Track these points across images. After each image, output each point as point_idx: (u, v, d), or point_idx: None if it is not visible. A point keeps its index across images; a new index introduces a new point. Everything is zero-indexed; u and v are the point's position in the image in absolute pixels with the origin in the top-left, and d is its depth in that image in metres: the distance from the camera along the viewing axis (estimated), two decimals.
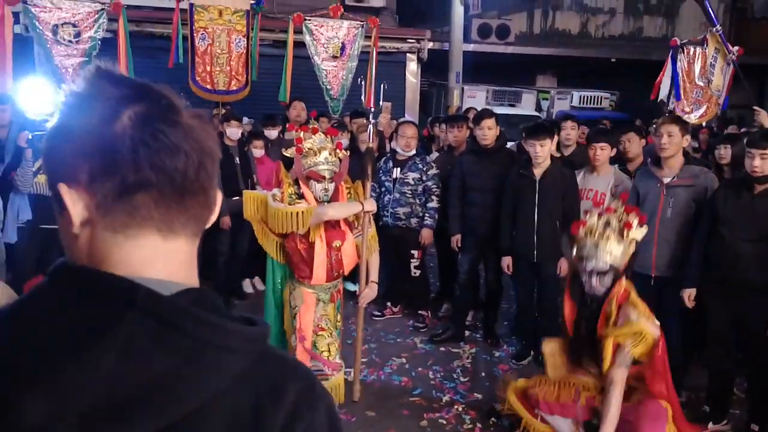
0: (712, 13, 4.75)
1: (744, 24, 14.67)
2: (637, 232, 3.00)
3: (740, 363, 3.79)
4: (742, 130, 7.28)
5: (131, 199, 0.71)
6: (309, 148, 3.38)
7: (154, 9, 7.53)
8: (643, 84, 13.09)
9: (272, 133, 6.10)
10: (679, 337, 3.81)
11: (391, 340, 5.11)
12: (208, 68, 6.23)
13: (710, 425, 3.77)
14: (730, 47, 6.31)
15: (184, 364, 0.68)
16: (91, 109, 0.72)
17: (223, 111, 6.44)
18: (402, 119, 6.83)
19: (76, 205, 0.72)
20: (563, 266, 4.27)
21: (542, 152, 4.23)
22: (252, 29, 6.37)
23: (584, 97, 13.76)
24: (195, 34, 6.13)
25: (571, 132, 5.25)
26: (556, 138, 4.49)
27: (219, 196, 0.81)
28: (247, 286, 6.21)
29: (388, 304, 5.64)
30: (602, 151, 4.34)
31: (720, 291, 3.56)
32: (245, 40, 6.34)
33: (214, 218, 0.80)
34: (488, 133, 4.63)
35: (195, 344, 0.69)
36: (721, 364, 3.72)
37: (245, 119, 6.60)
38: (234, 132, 5.55)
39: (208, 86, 6.30)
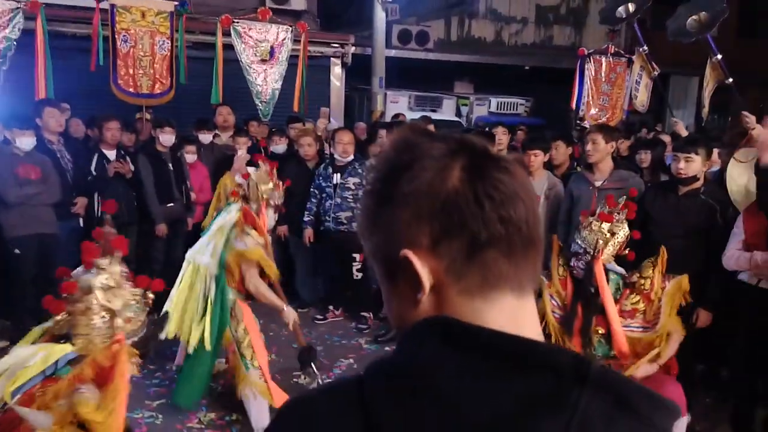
0: (712, 43, 5.16)
1: (645, 33, 15.70)
2: (622, 231, 3.09)
3: None
4: (651, 134, 7.83)
5: (483, 257, 0.66)
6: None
7: (73, 8, 7.15)
8: (554, 90, 13.81)
9: (206, 138, 5.96)
10: None
11: (337, 342, 5.12)
12: (131, 71, 6.01)
13: None
14: (654, 65, 6.81)
15: None
16: (420, 169, 0.67)
17: (148, 116, 6.24)
18: (337, 126, 6.86)
19: (424, 270, 0.67)
20: None
21: None
22: (176, 31, 6.20)
23: (501, 103, 14.28)
24: (117, 36, 5.89)
25: (502, 137, 5.47)
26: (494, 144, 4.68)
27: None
28: None
29: (330, 307, 5.66)
30: (536, 158, 4.56)
31: None
32: (169, 42, 6.15)
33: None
34: None
35: (643, 426, 0.62)
36: None
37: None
38: (167, 138, 5.39)
39: (131, 89, 6.07)
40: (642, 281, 3.05)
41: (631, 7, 6.38)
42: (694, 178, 3.72)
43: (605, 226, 3.02)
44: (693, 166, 3.67)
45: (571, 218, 4.28)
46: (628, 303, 3.03)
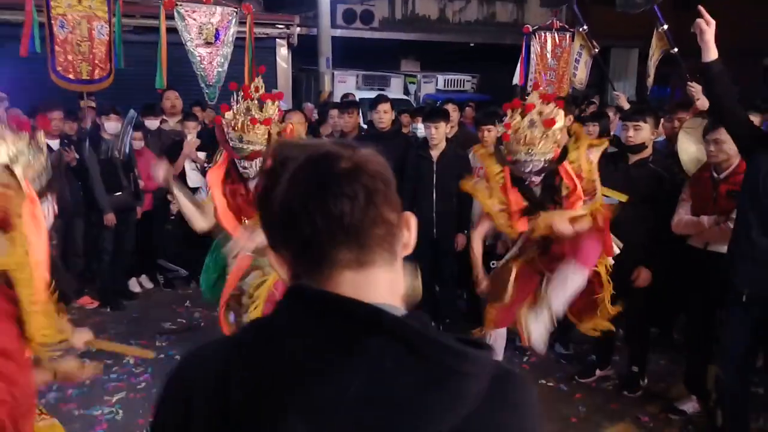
0: (659, 13, 5.24)
1: (584, 8, 16.01)
2: (560, 122, 3.12)
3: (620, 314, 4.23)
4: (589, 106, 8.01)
5: (314, 250, 0.78)
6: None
7: None
8: (499, 67, 13.97)
9: (153, 124, 5.79)
10: None
11: None
12: (69, 57, 5.74)
13: (597, 371, 4.21)
14: (594, 43, 6.94)
15: (428, 391, 0.69)
16: (274, 183, 0.80)
17: (91, 103, 6.01)
18: (286, 108, 6.75)
19: (281, 267, 0.83)
20: (460, 241, 4.54)
21: (437, 134, 4.46)
22: (114, 15, 5.96)
23: (448, 80, 14.37)
24: (53, 22, 5.62)
25: (453, 114, 5.51)
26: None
27: (410, 218, 0.87)
28: (134, 285, 5.90)
29: None
30: (489, 133, 4.60)
31: None
32: (107, 26, 5.92)
33: (411, 236, 0.86)
34: (384, 116, 4.76)
35: (438, 370, 0.71)
36: None
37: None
38: (113, 126, 5.21)
39: (71, 76, 5.80)
40: (572, 164, 3.15)
41: None
42: (643, 146, 3.81)
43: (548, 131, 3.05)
44: (641, 134, 3.77)
45: None
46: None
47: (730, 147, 3.31)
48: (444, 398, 0.70)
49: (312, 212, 0.77)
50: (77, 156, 5.10)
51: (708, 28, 2.79)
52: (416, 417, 0.69)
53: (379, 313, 0.73)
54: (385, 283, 0.81)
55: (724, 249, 3.36)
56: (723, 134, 3.28)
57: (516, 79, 7.52)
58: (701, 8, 2.80)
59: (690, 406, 3.78)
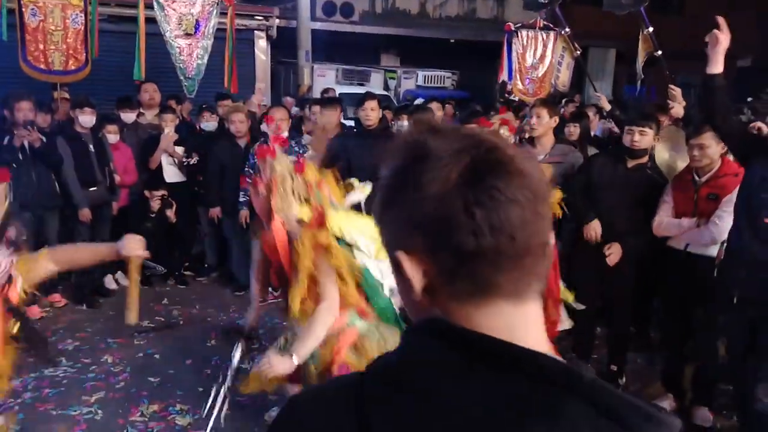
0: (645, 16, 5.27)
1: (562, 8, 16.14)
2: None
3: (600, 312, 4.26)
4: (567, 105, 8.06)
5: (472, 266, 0.66)
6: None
7: None
8: (479, 63, 14.02)
9: (129, 117, 5.67)
10: None
11: (278, 325, 5.04)
12: (41, 46, 5.62)
13: None
14: (576, 46, 6.98)
15: None
16: (419, 171, 0.67)
17: (65, 94, 5.86)
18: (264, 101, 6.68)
19: (415, 273, 0.69)
20: None
21: None
22: (90, 3, 5.82)
23: (428, 76, 14.36)
24: (24, 9, 5.46)
25: (437, 113, 5.50)
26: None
27: (552, 240, 0.72)
28: (110, 282, 5.78)
29: (270, 289, 5.55)
30: None
31: (590, 253, 3.95)
32: (83, 15, 5.77)
33: (548, 264, 0.71)
34: (371, 114, 4.74)
35: None
36: (587, 317, 4.16)
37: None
38: (87, 120, 5.09)
39: (42, 66, 5.69)
40: None
41: None
42: (644, 151, 3.83)
43: None
44: (646, 139, 3.77)
45: None
46: None
47: (713, 152, 3.40)
48: None
49: (480, 222, 0.64)
50: (42, 138, 4.93)
51: (722, 41, 2.82)
52: None
53: (579, 374, 0.63)
54: (538, 322, 0.70)
55: (703, 250, 3.45)
56: (707, 139, 3.36)
57: (504, 76, 7.53)
58: (721, 19, 2.83)
59: (667, 404, 3.81)
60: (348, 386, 0.72)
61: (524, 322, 0.69)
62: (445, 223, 0.65)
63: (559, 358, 0.67)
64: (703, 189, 3.50)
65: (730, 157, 3.48)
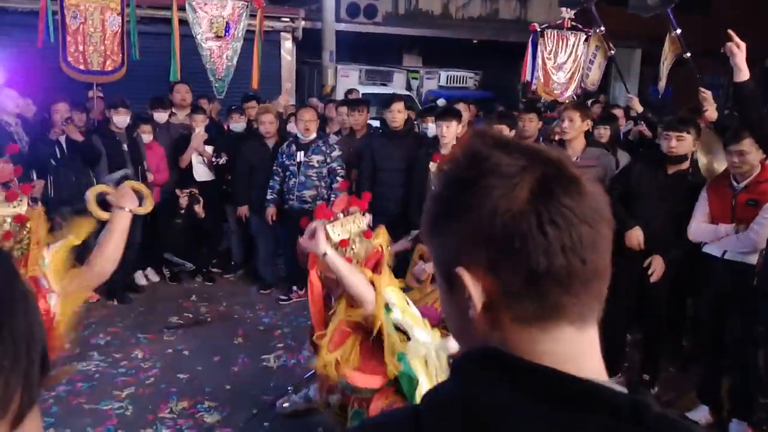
0: (672, 17, 5.24)
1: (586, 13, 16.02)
2: None
3: (631, 320, 4.21)
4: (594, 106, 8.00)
5: (541, 287, 0.64)
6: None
7: None
8: (502, 64, 13.96)
9: (162, 117, 5.77)
10: None
11: (303, 323, 5.09)
12: (81, 48, 5.72)
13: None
14: (611, 45, 6.91)
15: None
16: (489, 186, 0.65)
17: (99, 93, 5.98)
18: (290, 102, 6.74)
19: (477, 290, 0.66)
20: None
21: (449, 133, 4.45)
22: (127, 6, 5.93)
23: (451, 76, 14.32)
24: (66, 12, 5.59)
25: (464, 114, 5.49)
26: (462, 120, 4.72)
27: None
28: (140, 278, 5.89)
29: (294, 287, 5.62)
30: (501, 133, 4.59)
31: (628, 260, 3.83)
32: (120, 18, 5.88)
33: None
34: (397, 116, 4.76)
35: None
36: (619, 324, 4.14)
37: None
38: (122, 120, 5.21)
39: (82, 67, 5.78)
40: None
41: None
42: (684, 157, 3.73)
43: None
44: (684, 144, 3.68)
45: None
46: None
47: (753, 158, 3.35)
48: None
49: (553, 241, 0.63)
50: (80, 132, 5.08)
51: (738, 51, 2.81)
52: None
53: (647, 407, 0.62)
54: (598, 346, 0.69)
55: (743, 258, 3.38)
56: (746, 146, 3.31)
57: (528, 77, 7.48)
58: (731, 32, 2.83)
59: (702, 416, 3.73)
60: (403, 421, 0.71)
61: (588, 349, 0.67)
62: (516, 241, 0.63)
63: (621, 388, 0.66)
64: (741, 195, 3.44)
65: None
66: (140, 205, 2.46)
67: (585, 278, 0.65)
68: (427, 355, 2.43)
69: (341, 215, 2.65)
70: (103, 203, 2.45)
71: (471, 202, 0.66)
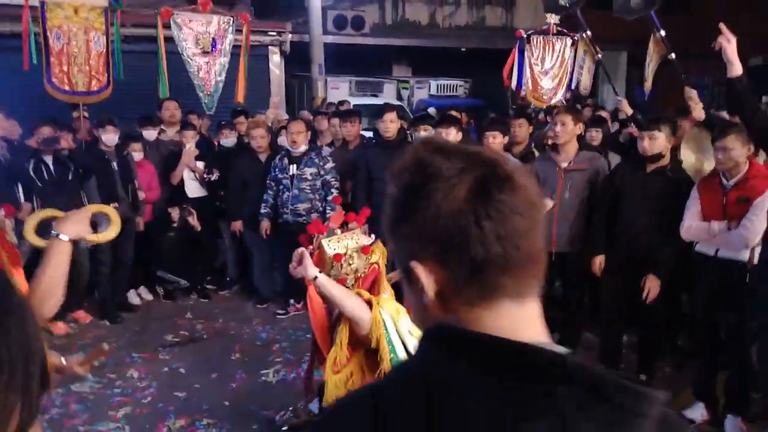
0: (655, 19, 5.28)
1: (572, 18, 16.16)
2: None
3: (627, 320, 4.21)
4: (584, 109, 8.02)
5: (482, 273, 0.73)
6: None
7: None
8: (491, 71, 13.97)
9: (151, 134, 5.75)
10: (581, 303, 4.20)
11: (302, 337, 5.05)
12: (65, 68, 5.70)
13: None
14: (598, 49, 6.95)
15: None
16: (431, 187, 0.74)
17: (85, 114, 5.96)
18: (279, 115, 6.74)
19: (429, 281, 0.75)
20: None
21: (449, 140, 4.44)
22: (112, 25, 5.92)
23: (441, 85, 14.39)
24: (49, 33, 5.57)
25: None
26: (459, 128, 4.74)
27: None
28: (133, 297, 5.83)
29: (291, 301, 5.59)
30: (494, 140, 4.60)
31: (618, 261, 3.94)
32: (104, 38, 5.87)
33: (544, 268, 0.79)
34: (390, 126, 4.77)
35: (617, 413, 0.69)
36: (613, 326, 4.14)
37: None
38: (110, 138, 5.19)
39: (66, 87, 5.75)
40: None
41: None
42: (659, 156, 3.81)
43: None
44: (657, 143, 3.76)
45: None
46: None
47: (738, 154, 3.36)
48: None
49: (488, 233, 0.71)
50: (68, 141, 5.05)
51: (729, 44, 2.80)
52: None
53: (563, 360, 0.69)
54: (538, 317, 0.78)
55: (735, 255, 3.39)
56: (731, 141, 3.33)
57: (513, 83, 7.49)
58: (722, 25, 2.82)
59: (698, 413, 3.73)
60: (363, 402, 0.79)
61: (528, 319, 0.77)
62: (457, 236, 0.72)
63: (554, 347, 0.74)
64: (732, 192, 3.45)
65: (759, 160, 3.44)
66: (100, 230, 2.21)
67: (520, 262, 0.74)
68: None
69: (338, 230, 2.64)
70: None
71: (418, 205, 0.75)
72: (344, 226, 2.69)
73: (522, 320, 0.76)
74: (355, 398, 0.84)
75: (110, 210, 2.33)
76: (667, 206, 3.73)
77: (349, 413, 0.80)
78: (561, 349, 0.74)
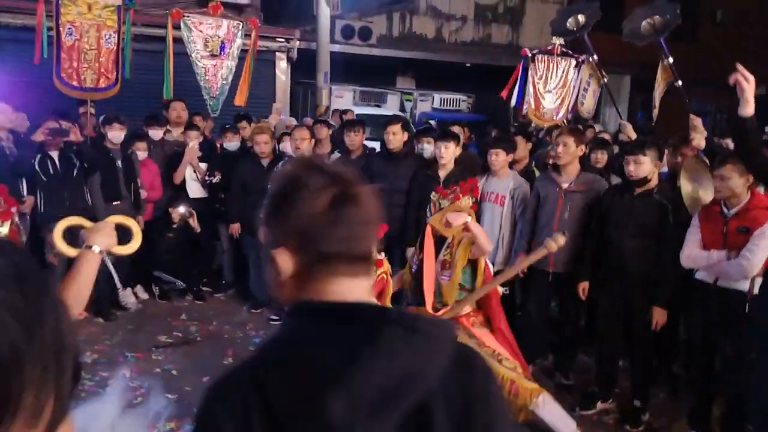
0: (664, 46, 5.33)
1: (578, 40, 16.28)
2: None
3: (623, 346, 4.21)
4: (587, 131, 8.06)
5: (328, 262, 0.99)
6: None
7: None
8: (495, 88, 14.02)
9: (157, 134, 5.76)
10: (576, 325, 4.21)
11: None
12: (75, 64, 5.71)
13: (599, 404, 4.19)
14: (604, 73, 6.99)
15: (425, 355, 0.94)
16: (299, 195, 0.98)
17: (92, 110, 5.97)
18: (287, 120, 6.76)
19: (286, 264, 1.00)
20: None
21: (446, 154, 4.50)
22: (124, 23, 5.95)
23: (444, 99, 14.45)
24: (61, 29, 5.59)
25: (460, 136, 5.53)
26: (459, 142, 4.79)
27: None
28: (129, 295, 5.81)
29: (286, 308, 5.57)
30: (497, 157, 4.61)
31: (609, 286, 3.96)
32: (116, 36, 5.90)
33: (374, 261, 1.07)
34: (392, 138, 4.81)
35: (428, 340, 0.95)
36: (610, 349, 4.15)
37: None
38: (116, 135, 5.19)
39: (75, 83, 5.76)
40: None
41: (582, 19, 6.53)
42: (645, 180, 3.84)
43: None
44: (642, 167, 3.80)
45: (537, 217, 4.39)
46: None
47: (735, 183, 3.38)
48: (437, 358, 0.95)
49: (337, 235, 0.97)
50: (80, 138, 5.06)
51: (748, 84, 2.81)
52: (423, 377, 0.92)
53: (385, 309, 0.98)
54: (367, 287, 1.04)
55: (734, 284, 3.40)
56: (728, 171, 3.36)
57: (514, 100, 7.52)
58: (739, 65, 2.83)
59: None
60: (243, 376, 0.98)
61: (359, 289, 1.01)
62: (312, 234, 0.97)
63: (377, 303, 1.05)
64: (732, 222, 3.46)
65: (760, 189, 3.46)
66: (128, 242, 2.24)
67: (357, 256, 1.00)
68: None
69: None
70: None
71: (287, 207, 0.99)
72: None
73: (355, 290, 1.00)
74: (236, 372, 1.00)
75: (133, 222, 2.37)
76: (656, 228, 3.78)
77: (228, 390, 0.97)
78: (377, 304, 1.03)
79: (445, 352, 0.96)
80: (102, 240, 1.97)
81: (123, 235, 5.05)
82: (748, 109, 2.85)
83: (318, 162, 1.03)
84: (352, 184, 1.00)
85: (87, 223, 2.15)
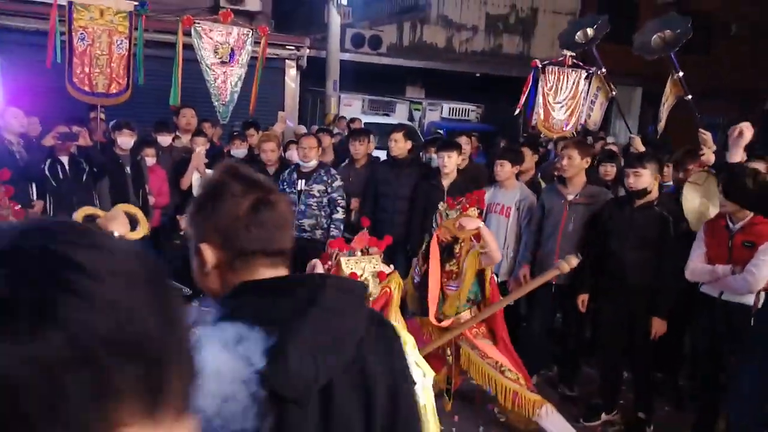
0: (675, 60, 5.36)
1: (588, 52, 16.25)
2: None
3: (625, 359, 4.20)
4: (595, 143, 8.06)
5: (247, 256, 1.13)
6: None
7: (26, 3, 6.80)
8: (505, 98, 14.06)
9: (166, 140, 5.80)
10: (580, 336, 4.19)
11: None
12: (87, 69, 5.76)
13: (603, 416, 4.16)
14: (612, 86, 7.00)
15: (357, 311, 1.13)
16: (223, 199, 1.13)
17: (102, 115, 6.02)
18: (294, 127, 6.80)
19: (210, 258, 1.13)
20: None
21: (449, 164, 4.52)
22: (136, 29, 6.01)
23: (453, 108, 14.46)
24: (74, 34, 5.66)
25: (465, 147, 5.54)
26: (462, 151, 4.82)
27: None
28: None
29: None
30: (502, 168, 4.62)
31: (611, 297, 3.96)
32: (127, 42, 5.95)
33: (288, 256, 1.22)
34: (394, 145, 4.89)
35: (356, 298, 1.15)
36: (613, 359, 4.13)
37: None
38: (126, 141, 5.22)
39: (86, 88, 5.82)
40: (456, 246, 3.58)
41: (590, 32, 6.54)
42: (645, 192, 3.86)
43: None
44: (642, 180, 3.82)
45: (542, 229, 4.39)
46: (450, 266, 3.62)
47: None
48: (362, 313, 1.14)
49: (254, 235, 1.12)
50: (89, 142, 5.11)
51: (747, 135, 3.01)
52: (356, 327, 1.10)
53: (324, 278, 1.15)
54: (284, 270, 1.19)
55: (739, 298, 3.39)
56: None
57: (523, 111, 7.52)
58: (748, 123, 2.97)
59: None
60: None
61: (276, 271, 1.16)
62: (235, 233, 1.12)
63: (296, 274, 1.24)
64: (738, 236, 3.46)
65: None
66: (133, 230, 2.40)
67: (273, 252, 1.15)
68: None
69: (359, 252, 2.83)
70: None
71: (212, 207, 1.13)
72: (366, 250, 2.85)
73: (273, 272, 1.15)
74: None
75: (137, 210, 2.59)
76: (657, 240, 3.79)
77: None
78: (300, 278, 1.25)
79: (366, 309, 1.19)
80: (118, 227, 2.18)
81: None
82: (736, 156, 3.09)
83: (242, 170, 1.18)
84: (269, 191, 1.16)
85: (101, 213, 2.38)
